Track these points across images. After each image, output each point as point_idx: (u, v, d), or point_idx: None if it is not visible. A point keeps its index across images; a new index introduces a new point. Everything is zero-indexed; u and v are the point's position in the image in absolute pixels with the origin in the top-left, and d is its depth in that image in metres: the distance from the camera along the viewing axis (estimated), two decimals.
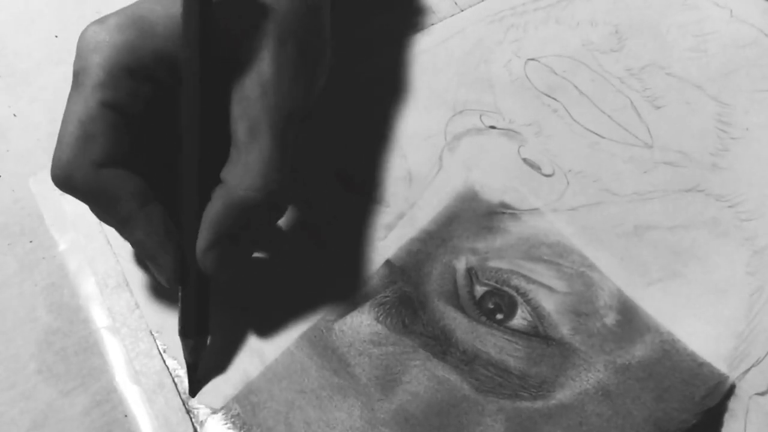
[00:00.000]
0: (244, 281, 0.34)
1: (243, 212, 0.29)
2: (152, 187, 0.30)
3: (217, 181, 0.30)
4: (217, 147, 0.30)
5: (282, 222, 0.36)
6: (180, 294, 0.31)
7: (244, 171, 0.29)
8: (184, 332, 0.31)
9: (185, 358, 0.32)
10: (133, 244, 0.30)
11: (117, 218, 0.29)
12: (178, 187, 0.30)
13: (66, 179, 0.29)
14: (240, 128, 0.29)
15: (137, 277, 0.35)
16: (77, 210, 0.37)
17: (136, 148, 0.30)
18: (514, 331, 0.34)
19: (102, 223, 0.35)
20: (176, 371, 0.33)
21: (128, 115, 0.29)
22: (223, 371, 0.33)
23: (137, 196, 0.29)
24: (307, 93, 0.32)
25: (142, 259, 0.33)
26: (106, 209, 0.29)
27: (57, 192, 0.37)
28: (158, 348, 0.33)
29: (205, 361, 0.32)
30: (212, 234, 0.29)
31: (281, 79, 0.30)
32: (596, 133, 0.40)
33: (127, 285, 0.35)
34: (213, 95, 0.30)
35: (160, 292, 0.35)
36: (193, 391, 0.32)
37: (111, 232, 0.36)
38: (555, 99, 0.41)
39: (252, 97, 0.29)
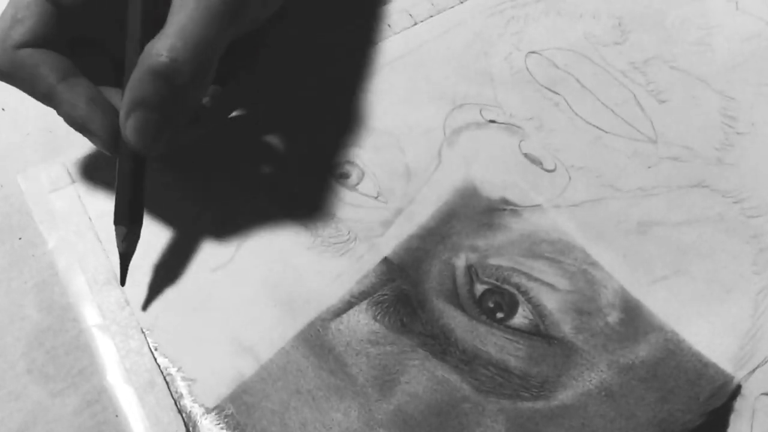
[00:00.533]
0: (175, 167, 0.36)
1: (155, 77, 0.30)
2: (84, 70, 0.33)
3: None
4: (158, 25, 0.32)
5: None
6: (116, 182, 0.33)
7: (163, 37, 0.31)
8: (117, 219, 0.33)
9: (117, 247, 0.33)
10: (63, 117, 0.33)
11: (39, 92, 0.32)
12: (123, 70, 0.32)
13: None
14: (174, 3, 0.31)
15: (129, 274, 0.35)
16: (67, 207, 0.37)
17: (75, 37, 0.33)
18: (515, 330, 0.33)
19: (92, 219, 0.36)
20: (168, 369, 0.33)
21: (62, 6, 0.32)
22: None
23: (56, 70, 0.32)
24: None
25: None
26: (27, 85, 0.32)
27: (46, 189, 0.37)
28: (149, 345, 0.33)
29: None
30: (129, 98, 0.31)
31: None
32: (599, 128, 0.40)
33: (118, 282, 0.35)
34: None
35: (153, 291, 0.35)
36: (123, 280, 0.34)
37: (101, 228, 0.36)
38: (557, 93, 0.41)
39: None
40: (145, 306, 0.34)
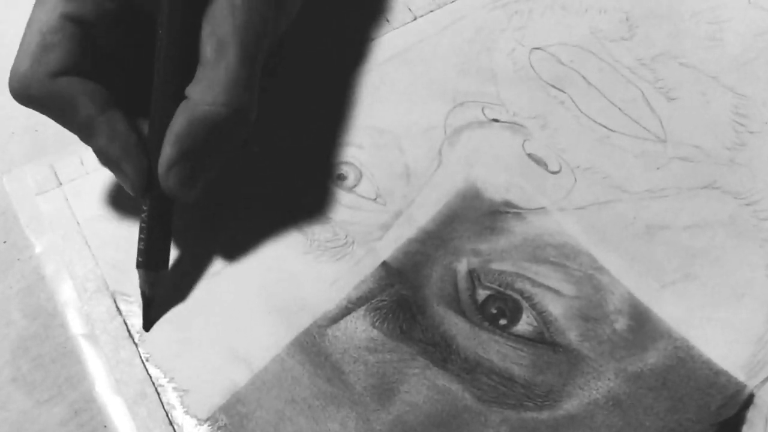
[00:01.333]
0: (207, 209, 0.36)
1: (206, 128, 0.31)
2: (117, 100, 0.32)
3: (183, 98, 0.31)
4: (188, 69, 0.31)
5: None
6: (141, 224, 0.33)
7: (208, 86, 0.30)
8: (145, 263, 0.33)
9: (142, 291, 0.33)
10: (96, 152, 0.32)
11: (77, 124, 0.31)
12: (148, 105, 0.32)
13: (23, 89, 0.30)
14: (208, 46, 0.31)
15: (119, 281, 0.35)
16: (54, 210, 0.37)
17: (100, 62, 0.32)
18: (519, 338, 0.33)
19: (81, 224, 0.36)
20: (159, 380, 0.33)
21: (91, 28, 0.31)
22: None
23: (96, 101, 0.31)
24: (278, 15, 0.34)
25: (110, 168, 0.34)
26: (65, 115, 0.31)
27: (32, 191, 0.37)
28: (140, 356, 0.33)
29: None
30: (175, 150, 0.31)
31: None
32: (606, 127, 0.40)
33: (107, 289, 0.35)
34: (188, 16, 0.31)
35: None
36: (147, 325, 0.34)
37: (90, 233, 0.36)
38: (562, 90, 0.41)
39: (220, 16, 0.31)
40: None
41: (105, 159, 0.32)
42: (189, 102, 0.31)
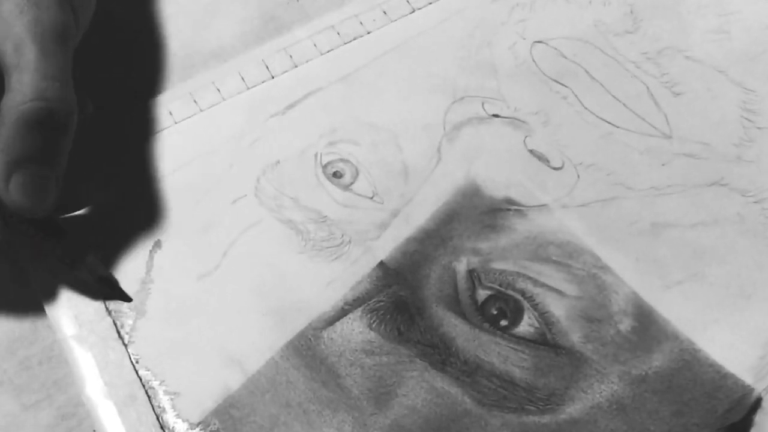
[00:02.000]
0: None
1: (28, 126, 0.30)
2: None
3: None
4: None
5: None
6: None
7: (18, 88, 0.30)
8: (71, 264, 0.33)
9: (95, 275, 0.34)
10: None
11: None
12: None
13: None
14: (7, 50, 0.31)
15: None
16: None
17: None
18: (520, 339, 0.33)
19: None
20: (150, 382, 0.32)
21: None
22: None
23: None
24: (71, 8, 0.34)
25: None
26: None
27: None
28: (130, 357, 0.33)
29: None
30: (7, 161, 0.30)
31: None
32: (609, 123, 0.40)
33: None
34: None
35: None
36: (124, 297, 0.34)
37: None
38: (564, 85, 0.41)
39: (11, 18, 0.31)
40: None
41: None
42: (5, 110, 0.30)
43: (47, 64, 0.31)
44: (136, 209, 0.36)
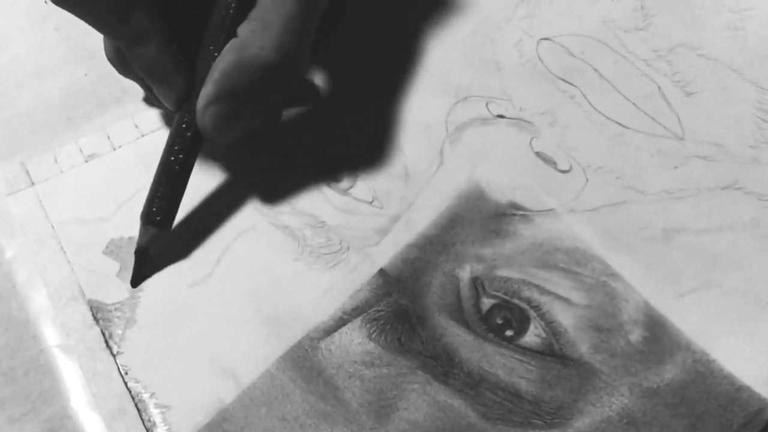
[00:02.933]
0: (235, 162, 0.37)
1: (252, 70, 0.32)
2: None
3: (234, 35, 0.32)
4: (245, 6, 0.32)
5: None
6: (156, 174, 0.34)
7: (261, 27, 0.31)
8: (149, 218, 0.34)
9: (138, 243, 0.35)
10: (143, 64, 0.33)
11: (130, 31, 0.32)
12: (198, 39, 0.34)
13: None
14: None
15: (96, 288, 0.35)
16: (26, 212, 0.37)
17: None
18: (526, 350, 0.33)
19: (55, 227, 0.36)
20: (140, 395, 0.32)
21: None
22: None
23: (149, 13, 0.32)
24: None
25: (146, 83, 0.35)
26: (119, 20, 0.32)
27: (3, 191, 0.37)
28: (118, 368, 0.33)
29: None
30: (217, 87, 0.32)
31: None
32: (619, 123, 0.40)
33: (83, 297, 0.35)
34: None
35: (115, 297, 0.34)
36: (135, 281, 0.35)
37: (65, 237, 0.36)
38: (572, 84, 0.41)
39: None
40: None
41: (151, 72, 0.33)
42: (238, 41, 0.32)
43: (300, 20, 0.32)
44: None
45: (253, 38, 0.31)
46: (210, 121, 0.33)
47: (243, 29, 0.32)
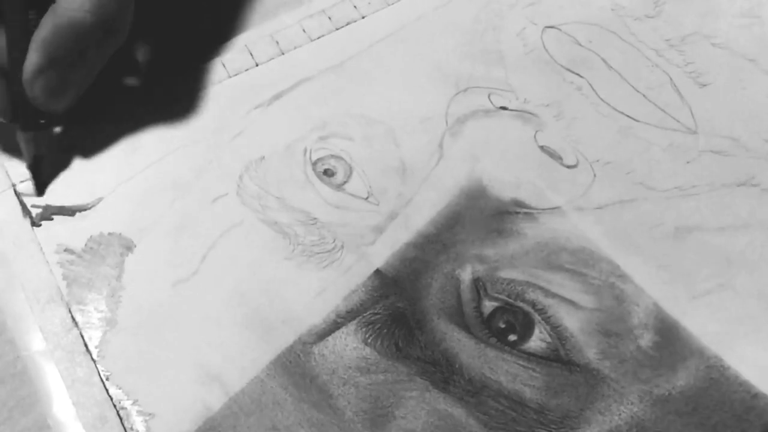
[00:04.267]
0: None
1: (72, 34, 0.33)
2: None
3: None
4: None
5: None
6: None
7: None
8: (21, 125, 0.36)
9: (24, 153, 0.36)
10: None
11: None
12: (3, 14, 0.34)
13: None
14: None
15: (76, 290, 0.35)
16: (4, 214, 0.37)
17: None
18: (530, 356, 0.33)
19: (35, 228, 0.36)
20: (122, 402, 0.32)
21: None
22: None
23: None
24: None
25: None
26: None
27: None
28: (100, 374, 0.33)
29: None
30: (41, 57, 0.33)
31: None
32: (628, 116, 0.40)
33: (63, 299, 0.34)
34: None
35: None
36: (40, 189, 0.37)
37: (45, 239, 0.36)
38: (579, 75, 0.41)
39: None
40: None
41: None
42: (56, 7, 0.33)
43: None
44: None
45: (70, 2, 0.32)
46: (40, 91, 0.34)
47: None
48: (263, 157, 0.38)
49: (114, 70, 0.37)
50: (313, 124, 0.39)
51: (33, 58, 0.34)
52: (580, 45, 0.42)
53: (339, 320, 0.34)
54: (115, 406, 0.32)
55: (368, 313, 0.34)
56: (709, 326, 0.34)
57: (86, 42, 0.34)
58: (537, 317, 0.34)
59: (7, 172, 0.38)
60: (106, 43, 0.35)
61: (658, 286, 0.35)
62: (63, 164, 0.37)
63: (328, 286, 0.35)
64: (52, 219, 0.36)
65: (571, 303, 0.34)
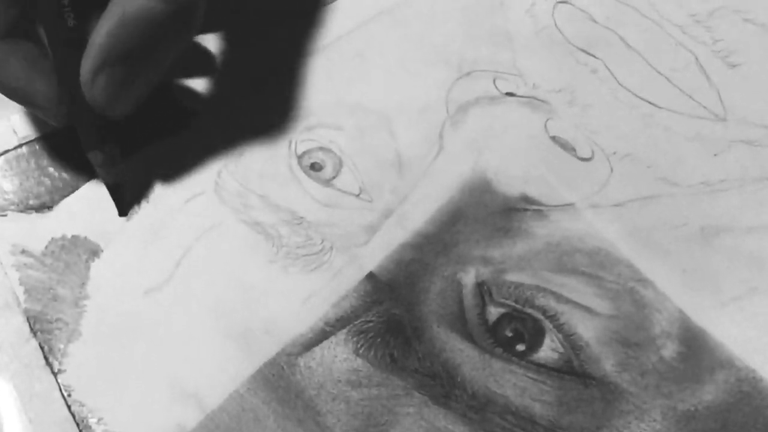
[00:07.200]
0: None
1: (141, 26, 0.32)
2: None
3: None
4: None
5: None
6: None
7: None
8: (87, 145, 0.35)
9: (102, 178, 0.36)
10: (3, 85, 0.34)
11: None
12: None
13: None
14: None
15: (34, 294, 0.35)
16: None
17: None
18: (541, 367, 0.33)
19: None
20: (85, 421, 0.32)
21: None
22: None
23: None
24: None
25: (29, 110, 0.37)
26: None
27: None
28: (61, 389, 0.33)
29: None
30: (103, 52, 0.32)
31: None
32: (649, 102, 0.40)
33: (19, 306, 0.35)
34: None
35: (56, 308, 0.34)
36: (123, 210, 0.37)
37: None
38: (594, 56, 0.41)
39: None
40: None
41: (13, 92, 0.34)
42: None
43: None
44: None
45: None
46: (101, 93, 0.33)
47: None
48: (243, 152, 0.38)
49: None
50: (298, 113, 0.39)
51: (94, 54, 0.32)
52: (595, 22, 0.42)
53: (327, 329, 0.34)
54: (77, 424, 0.32)
55: (360, 320, 0.34)
56: (739, 335, 0.34)
57: (156, 36, 0.33)
58: (548, 325, 0.34)
59: None
60: (179, 34, 0.34)
61: (683, 291, 0.35)
62: (145, 188, 0.37)
63: (316, 291, 0.35)
64: (5, 215, 0.36)
65: (586, 309, 0.34)
